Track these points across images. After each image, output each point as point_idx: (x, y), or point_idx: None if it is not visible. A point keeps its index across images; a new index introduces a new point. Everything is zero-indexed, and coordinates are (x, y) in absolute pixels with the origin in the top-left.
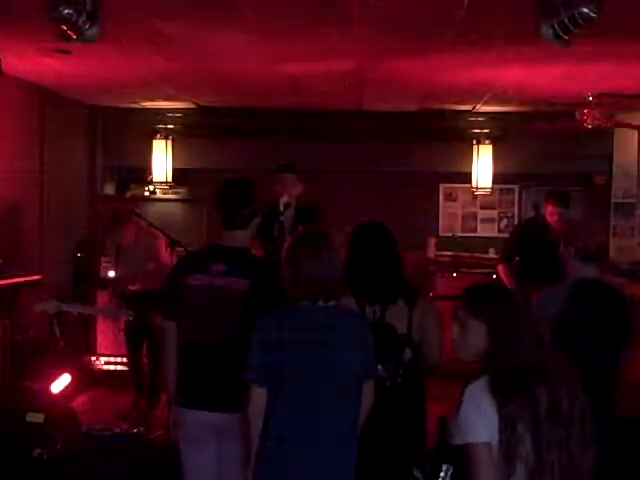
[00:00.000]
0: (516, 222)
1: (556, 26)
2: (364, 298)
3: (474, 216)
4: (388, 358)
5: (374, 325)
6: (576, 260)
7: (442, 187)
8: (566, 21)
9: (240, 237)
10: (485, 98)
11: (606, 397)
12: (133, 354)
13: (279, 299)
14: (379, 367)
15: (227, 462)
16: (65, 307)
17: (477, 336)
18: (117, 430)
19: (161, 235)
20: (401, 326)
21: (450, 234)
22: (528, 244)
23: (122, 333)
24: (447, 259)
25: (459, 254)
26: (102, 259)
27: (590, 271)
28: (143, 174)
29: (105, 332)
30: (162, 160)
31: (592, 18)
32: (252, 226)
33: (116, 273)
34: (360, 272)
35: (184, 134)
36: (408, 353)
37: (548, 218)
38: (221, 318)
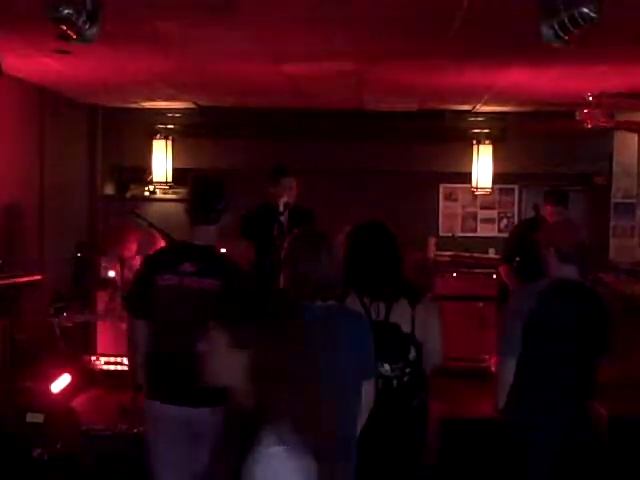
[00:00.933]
0: (516, 222)
1: (556, 26)
2: (367, 297)
3: (474, 216)
4: (395, 358)
5: (379, 325)
6: (555, 260)
7: (442, 187)
8: (566, 21)
9: (211, 233)
10: (485, 98)
11: (583, 398)
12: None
13: (250, 300)
14: (386, 367)
15: (203, 463)
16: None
17: None
18: (117, 430)
19: (161, 238)
20: (405, 325)
21: (450, 234)
22: (528, 244)
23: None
24: (447, 259)
25: (459, 254)
26: (102, 259)
27: (568, 271)
28: (143, 174)
29: (105, 332)
30: (162, 160)
31: (592, 18)
32: (221, 222)
33: (123, 282)
34: (361, 271)
35: (184, 134)
36: (412, 352)
37: (548, 218)
38: (192, 319)
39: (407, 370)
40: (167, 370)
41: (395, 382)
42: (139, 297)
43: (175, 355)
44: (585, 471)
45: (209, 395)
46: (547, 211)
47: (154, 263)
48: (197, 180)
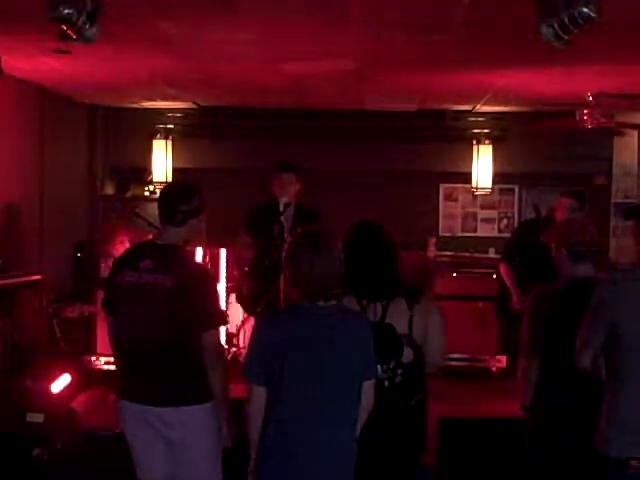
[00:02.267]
0: (516, 222)
1: (556, 26)
2: (364, 297)
3: (474, 216)
4: (386, 358)
5: (375, 325)
6: (568, 261)
7: (442, 187)
8: (566, 21)
9: (173, 234)
10: (485, 98)
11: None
12: None
13: (206, 296)
14: (377, 367)
15: (179, 462)
16: None
17: None
18: (117, 430)
19: None
20: (402, 326)
21: (450, 234)
22: (528, 244)
23: None
24: (447, 259)
25: (459, 254)
26: (102, 259)
27: (582, 270)
28: (143, 174)
29: (105, 332)
30: (162, 160)
31: (592, 18)
32: (189, 225)
33: None
34: (357, 272)
35: (184, 134)
36: (409, 353)
37: (560, 213)
38: (148, 314)
39: (399, 371)
40: (129, 366)
41: (387, 382)
42: (107, 295)
43: (134, 351)
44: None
45: (172, 394)
46: (562, 204)
47: (119, 262)
48: (168, 184)
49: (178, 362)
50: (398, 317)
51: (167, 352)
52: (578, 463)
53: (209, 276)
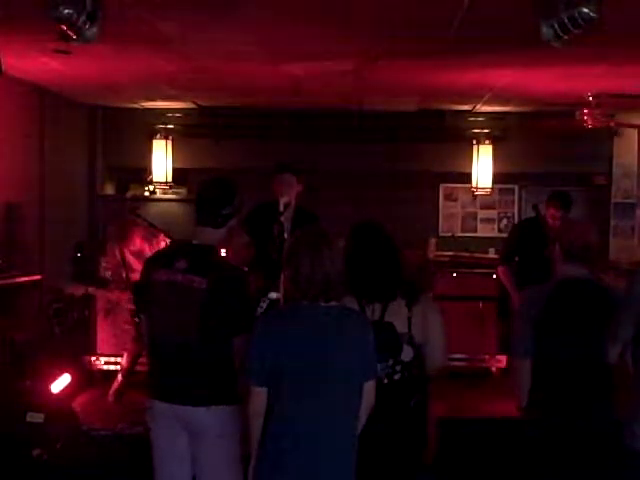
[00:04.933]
0: (516, 222)
1: (556, 26)
2: (364, 297)
3: (474, 216)
4: (384, 356)
5: (374, 324)
6: (562, 260)
7: (442, 187)
8: (566, 21)
9: (212, 235)
10: (485, 98)
11: (600, 397)
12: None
13: (239, 301)
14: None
15: (202, 464)
16: None
17: None
18: (117, 430)
19: (162, 234)
20: (401, 325)
21: (450, 234)
22: (527, 245)
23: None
24: (447, 259)
25: (459, 254)
26: (102, 259)
27: (575, 271)
28: (143, 174)
29: (105, 332)
30: (162, 160)
31: (592, 18)
32: (228, 226)
33: (121, 275)
34: (357, 272)
35: (184, 134)
36: (408, 352)
37: (550, 221)
38: (182, 314)
39: (398, 367)
40: (161, 366)
41: (386, 380)
42: (140, 294)
43: (166, 349)
44: (602, 468)
45: (204, 394)
46: (549, 214)
47: (154, 261)
48: (207, 182)
49: (209, 363)
50: (397, 317)
51: (198, 353)
52: (579, 458)
53: (244, 280)
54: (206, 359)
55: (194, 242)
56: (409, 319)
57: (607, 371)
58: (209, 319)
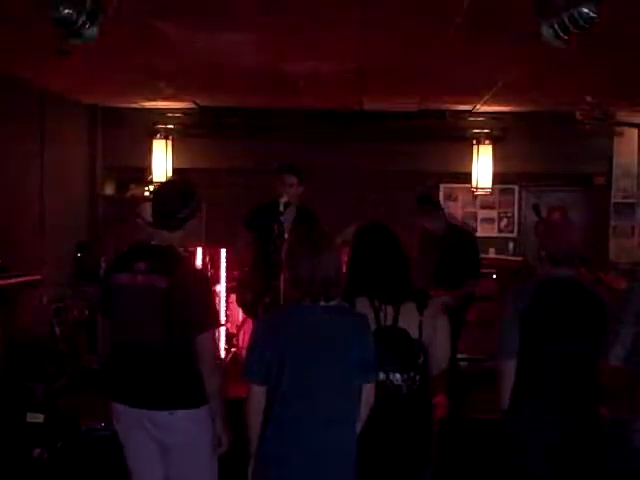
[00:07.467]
0: (516, 222)
1: (556, 26)
2: (377, 298)
3: (474, 216)
4: (406, 368)
5: (388, 330)
6: (547, 263)
7: (442, 187)
8: (566, 21)
9: (169, 238)
10: (485, 98)
11: (585, 399)
12: None
13: (201, 296)
14: (397, 376)
15: (177, 465)
16: None
17: None
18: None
19: None
20: (413, 330)
21: None
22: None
23: None
24: None
25: None
26: (102, 259)
27: (562, 272)
28: (143, 174)
29: (105, 332)
30: (162, 160)
31: (592, 18)
32: (187, 227)
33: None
34: (370, 273)
35: (184, 134)
36: (421, 358)
37: (424, 223)
38: (144, 316)
39: (417, 377)
40: (123, 368)
41: (405, 389)
42: (102, 298)
43: (128, 353)
44: (585, 472)
45: (167, 398)
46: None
47: (114, 264)
48: (162, 185)
49: (173, 365)
50: (409, 322)
51: (162, 354)
52: (557, 463)
53: (204, 278)
54: (169, 361)
55: (152, 243)
56: (420, 324)
57: (592, 372)
58: (171, 317)
